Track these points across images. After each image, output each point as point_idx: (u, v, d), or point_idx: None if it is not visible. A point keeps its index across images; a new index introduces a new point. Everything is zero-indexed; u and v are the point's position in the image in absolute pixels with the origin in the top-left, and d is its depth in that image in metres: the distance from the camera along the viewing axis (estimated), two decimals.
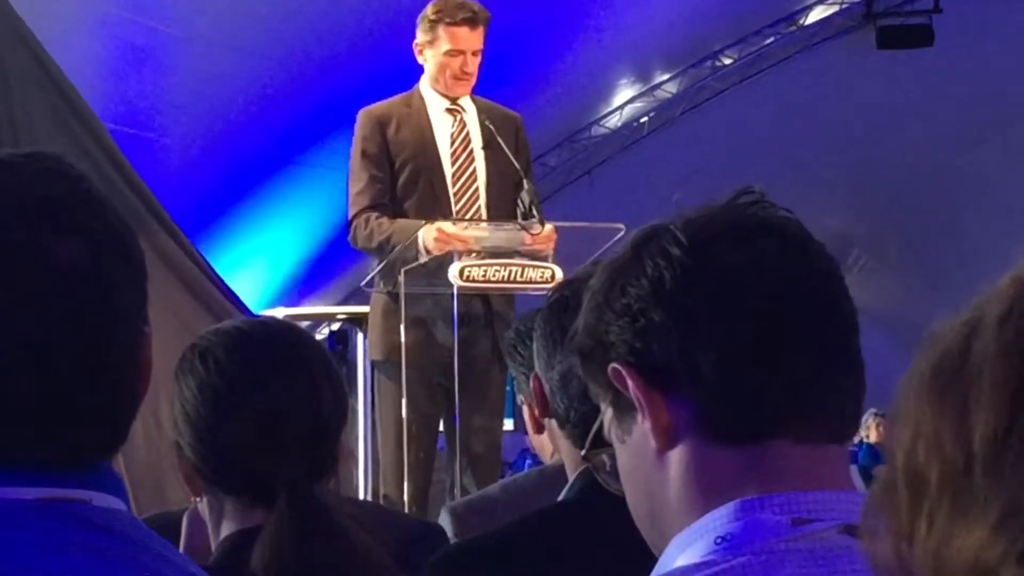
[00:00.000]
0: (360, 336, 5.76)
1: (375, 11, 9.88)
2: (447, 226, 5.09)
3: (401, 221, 5.26)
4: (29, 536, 1.28)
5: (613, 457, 1.41)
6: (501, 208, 5.37)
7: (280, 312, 6.12)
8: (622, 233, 4.95)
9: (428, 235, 5.07)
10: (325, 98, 10.29)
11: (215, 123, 10.35)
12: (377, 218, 5.31)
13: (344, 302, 10.68)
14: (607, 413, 1.38)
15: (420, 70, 5.54)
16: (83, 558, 1.28)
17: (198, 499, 2.14)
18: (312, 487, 2.01)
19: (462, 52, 5.39)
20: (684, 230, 1.34)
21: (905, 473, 0.81)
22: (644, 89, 13.91)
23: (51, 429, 1.33)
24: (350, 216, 5.42)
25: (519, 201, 5.26)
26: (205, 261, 7.09)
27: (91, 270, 1.33)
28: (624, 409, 1.35)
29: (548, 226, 5.16)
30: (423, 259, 5.11)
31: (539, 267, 5.15)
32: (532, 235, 5.11)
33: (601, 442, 1.43)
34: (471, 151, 5.44)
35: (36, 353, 1.31)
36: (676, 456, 1.32)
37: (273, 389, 2.06)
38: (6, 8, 6.54)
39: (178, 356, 2.14)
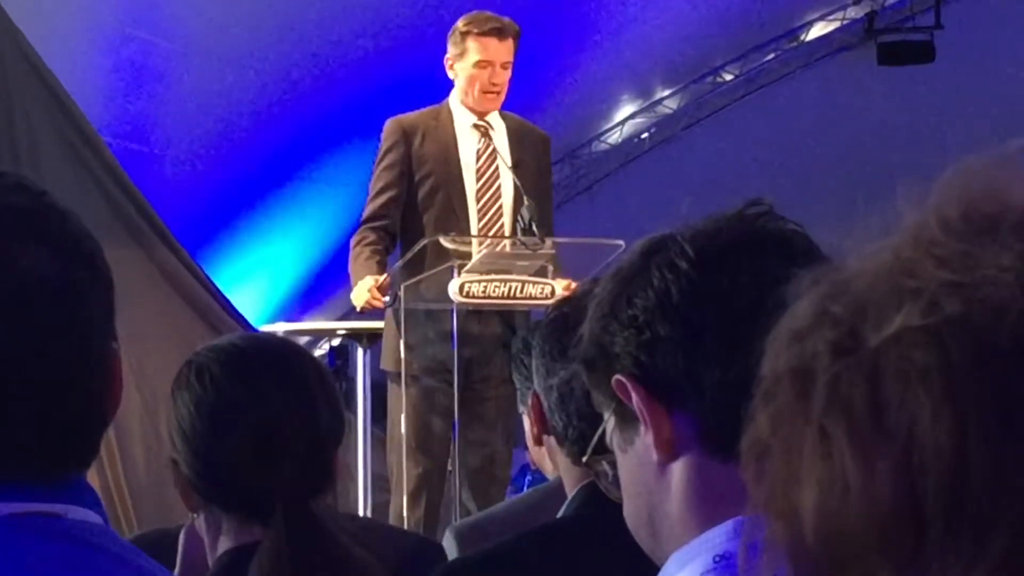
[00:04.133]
0: (360, 352, 5.76)
1: (376, 28, 9.89)
2: (369, 283, 5.20)
3: (362, 263, 5.34)
4: (3, 552, 1.25)
5: (614, 465, 1.40)
6: None
7: (280, 327, 6.11)
8: (622, 249, 4.94)
9: (360, 293, 5.24)
10: (326, 113, 10.29)
11: (215, 137, 10.35)
12: (367, 243, 5.37)
13: (344, 317, 10.64)
14: (610, 421, 1.37)
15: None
16: (62, 571, 1.26)
17: (195, 515, 2.14)
18: (309, 503, 2.00)
19: (490, 63, 5.38)
20: (692, 242, 1.33)
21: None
22: (645, 105, 13.90)
23: (21, 443, 1.30)
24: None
25: (519, 216, 5.24)
26: (206, 276, 7.10)
27: (59, 281, 1.30)
28: (627, 419, 1.35)
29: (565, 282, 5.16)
30: (358, 308, 5.29)
31: (539, 283, 5.14)
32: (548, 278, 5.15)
33: (602, 450, 1.43)
34: (496, 169, 5.42)
35: (4, 365, 1.29)
36: (677, 470, 1.32)
37: (269, 405, 2.05)
38: (8, 25, 6.56)
39: None
